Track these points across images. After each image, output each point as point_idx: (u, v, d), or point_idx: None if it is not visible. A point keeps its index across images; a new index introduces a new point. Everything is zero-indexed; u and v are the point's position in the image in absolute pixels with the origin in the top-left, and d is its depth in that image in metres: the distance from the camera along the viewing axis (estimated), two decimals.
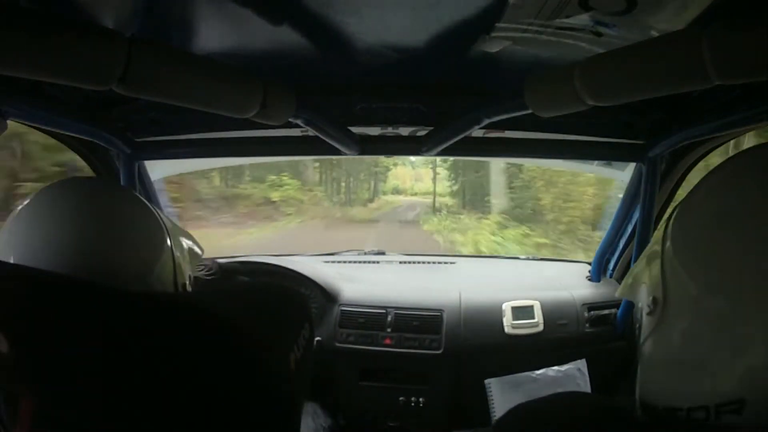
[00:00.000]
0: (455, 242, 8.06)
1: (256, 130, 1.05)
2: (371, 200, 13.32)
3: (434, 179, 12.47)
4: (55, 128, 0.94)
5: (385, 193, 13.85)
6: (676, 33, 0.56)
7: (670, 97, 0.64)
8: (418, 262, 1.72)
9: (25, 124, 0.90)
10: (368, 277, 1.47)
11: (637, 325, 0.46)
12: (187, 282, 0.68)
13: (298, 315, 0.61)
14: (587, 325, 1.29)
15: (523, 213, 7.66)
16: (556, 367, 1.22)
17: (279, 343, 0.54)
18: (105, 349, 0.44)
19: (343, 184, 12.81)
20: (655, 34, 0.62)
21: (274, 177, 9.36)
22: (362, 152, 1.11)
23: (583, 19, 0.60)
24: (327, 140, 0.99)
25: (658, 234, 0.45)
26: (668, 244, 0.41)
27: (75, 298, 0.45)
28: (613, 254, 1.41)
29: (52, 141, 1.05)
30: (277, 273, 1.36)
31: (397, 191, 14.04)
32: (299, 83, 0.82)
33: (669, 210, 0.45)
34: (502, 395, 1.19)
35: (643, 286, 0.45)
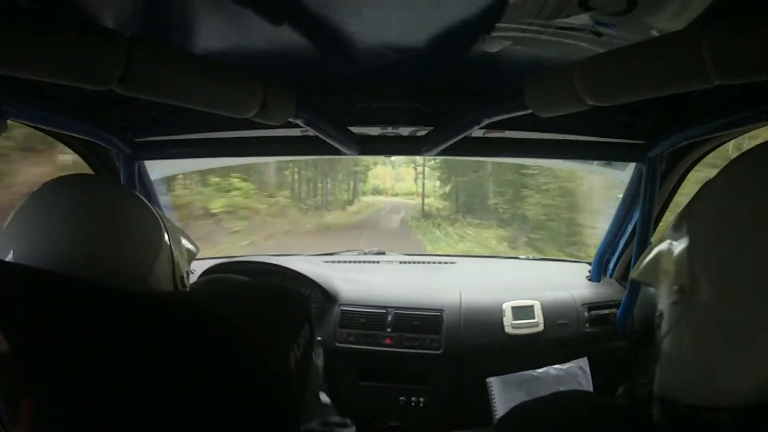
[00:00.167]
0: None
1: (256, 130, 1.05)
2: (351, 202, 11.99)
3: (422, 178, 11.51)
4: (55, 128, 0.94)
5: (365, 194, 12.71)
6: (676, 33, 0.56)
7: (670, 97, 0.63)
8: (418, 262, 1.72)
9: (26, 124, 0.90)
10: (368, 277, 1.46)
11: (657, 314, 0.43)
12: (185, 276, 0.68)
13: (298, 315, 0.61)
14: (587, 325, 1.30)
15: (550, 224, 6.29)
16: (557, 366, 1.22)
17: (279, 343, 0.54)
18: (105, 349, 0.44)
19: (320, 185, 11.39)
20: (655, 34, 0.62)
21: (217, 179, 6.26)
22: (362, 152, 1.11)
23: (583, 19, 0.60)
24: (327, 140, 0.99)
25: (681, 217, 0.42)
26: (696, 227, 0.39)
27: (75, 299, 0.45)
28: (613, 254, 1.41)
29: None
30: (277, 273, 1.36)
31: (377, 191, 13.15)
32: (299, 83, 0.82)
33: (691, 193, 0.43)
34: (504, 394, 1.19)
35: (665, 272, 0.43)
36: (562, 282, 1.45)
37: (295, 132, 1.04)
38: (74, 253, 0.53)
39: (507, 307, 1.28)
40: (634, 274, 0.53)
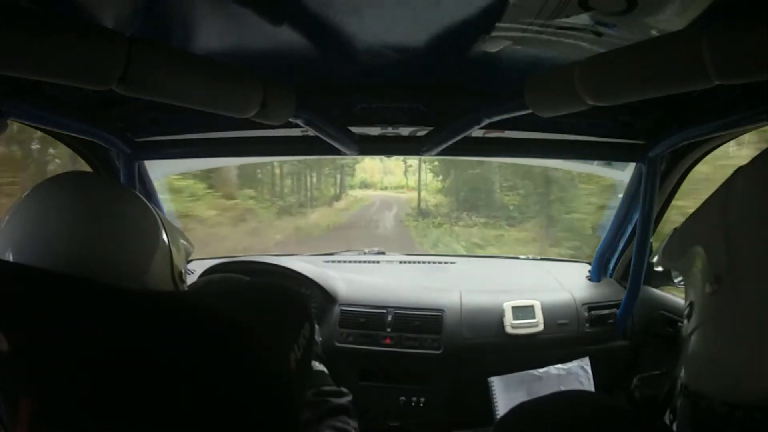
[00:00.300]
0: None
1: (256, 130, 1.05)
2: (338, 197, 10.65)
3: (418, 172, 10.32)
4: (55, 128, 0.94)
5: (352, 188, 11.43)
6: (676, 33, 0.56)
7: (670, 97, 0.63)
8: (419, 262, 1.72)
9: (26, 124, 0.90)
10: (368, 277, 1.46)
11: (686, 305, 0.41)
12: (183, 271, 0.68)
13: (298, 315, 0.61)
14: (587, 325, 1.30)
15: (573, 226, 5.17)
16: (559, 365, 1.22)
17: (279, 343, 0.54)
18: (105, 349, 0.44)
19: (305, 180, 9.97)
20: (655, 34, 0.62)
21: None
22: (362, 152, 1.11)
23: (583, 19, 0.60)
24: (327, 140, 0.99)
25: (712, 203, 0.40)
26: (735, 215, 0.37)
27: (75, 298, 0.45)
28: (613, 254, 1.42)
29: None
30: (277, 273, 1.35)
31: (365, 185, 11.99)
32: (299, 83, 0.82)
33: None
34: (506, 393, 1.19)
35: (697, 260, 0.40)
36: (562, 282, 1.45)
37: (295, 132, 1.04)
38: (72, 252, 0.53)
39: (507, 307, 1.28)
40: (657, 258, 0.51)
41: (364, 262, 1.67)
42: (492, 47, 0.70)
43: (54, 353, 0.43)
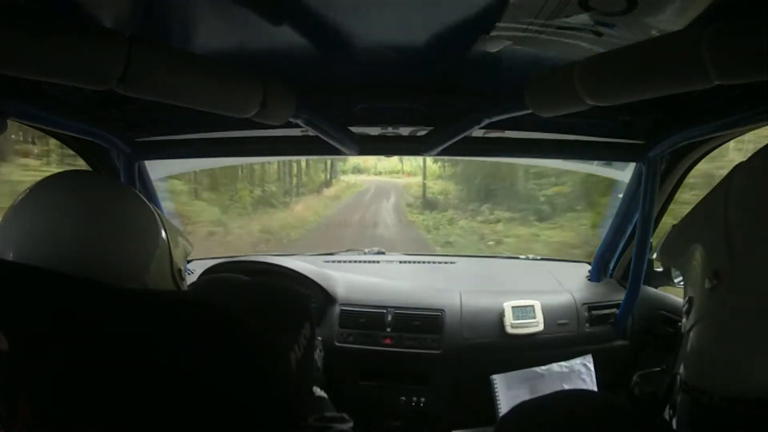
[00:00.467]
0: None
1: (256, 130, 1.05)
2: (328, 183, 9.32)
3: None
4: (55, 128, 0.94)
5: (345, 172, 10.32)
6: (676, 33, 0.56)
7: (670, 97, 0.63)
8: (419, 262, 1.72)
9: (26, 124, 0.90)
10: (368, 276, 1.46)
11: (685, 300, 0.42)
12: (182, 269, 0.68)
13: (298, 315, 0.61)
14: (587, 324, 1.30)
15: None
16: (562, 363, 1.22)
17: (279, 343, 0.54)
18: (105, 348, 0.44)
19: (297, 164, 8.71)
20: (655, 34, 0.62)
21: None
22: (362, 152, 1.11)
23: (583, 18, 0.60)
24: (327, 140, 0.99)
25: (711, 200, 0.41)
26: (737, 201, 0.37)
27: (75, 297, 0.45)
28: (613, 254, 1.42)
29: None
30: (277, 273, 1.35)
31: (358, 170, 11.16)
32: (299, 83, 0.82)
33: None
34: (508, 391, 1.19)
35: (697, 256, 0.41)
36: (563, 282, 1.46)
37: (295, 132, 1.04)
38: (72, 250, 0.53)
39: (507, 306, 1.28)
40: (656, 255, 0.51)
41: (364, 261, 1.67)
42: (492, 47, 0.70)
43: (54, 352, 0.43)
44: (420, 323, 1.27)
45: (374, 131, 1.08)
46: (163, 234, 0.63)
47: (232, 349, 0.49)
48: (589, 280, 1.46)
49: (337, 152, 1.09)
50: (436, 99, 0.97)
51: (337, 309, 1.31)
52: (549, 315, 1.28)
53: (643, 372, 0.51)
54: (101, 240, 0.55)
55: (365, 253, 1.74)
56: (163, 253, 0.62)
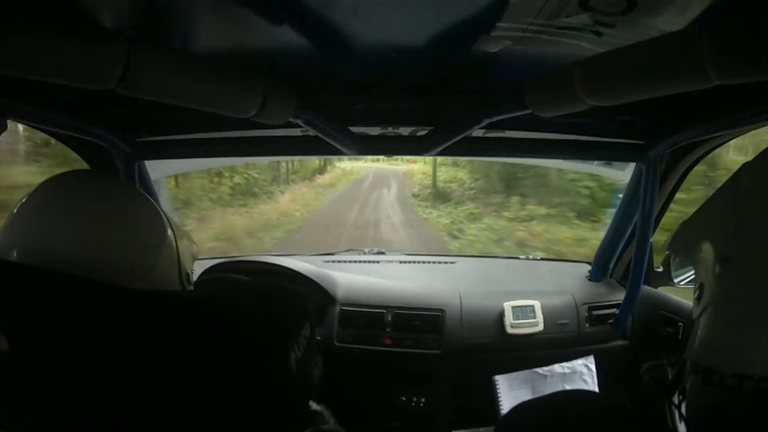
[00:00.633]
0: None
1: (256, 130, 1.05)
2: (321, 170, 8.20)
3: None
4: (55, 128, 0.94)
5: (340, 159, 8.56)
6: (676, 33, 0.56)
7: (670, 97, 0.64)
8: (419, 262, 1.72)
9: (26, 124, 0.90)
10: (368, 276, 1.46)
11: (696, 288, 0.43)
12: (190, 273, 0.68)
13: (298, 315, 0.61)
14: (587, 324, 1.30)
15: None
16: (563, 363, 1.22)
17: (279, 343, 0.54)
18: (105, 348, 0.44)
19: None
20: (655, 34, 0.62)
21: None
22: (362, 152, 1.11)
23: (583, 18, 0.60)
24: (327, 140, 0.99)
25: (721, 194, 0.42)
26: (745, 195, 0.39)
27: (77, 297, 0.45)
28: (612, 254, 1.42)
29: None
30: (277, 273, 1.35)
31: (354, 157, 10.70)
32: (299, 83, 0.82)
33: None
34: (510, 391, 1.20)
35: (705, 243, 0.42)
36: (563, 282, 1.46)
37: (295, 132, 1.04)
38: (78, 251, 0.52)
39: (507, 306, 1.28)
40: (665, 245, 0.52)
41: (364, 261, 1.67)
42: (492, 47, 0.70)
43: (54, 353, 0.43)
44: (420, 323, 1.27)
45: (374, 131, 1.08)
46: (170, 234, 0.63)
47: (232, 350, 0.49)
48: (589, 280, 1.46)
49: (337, 152, 1.09)
50: (436, 99, 0.97)
51: (337, 309, 1.31)
52: (549, 315, 1.28)
53: (652, 363, 0.52)
54: (106, 240, 0.55)
55: (365, 253, 1.74)
56: (170, 254, 0.62)
